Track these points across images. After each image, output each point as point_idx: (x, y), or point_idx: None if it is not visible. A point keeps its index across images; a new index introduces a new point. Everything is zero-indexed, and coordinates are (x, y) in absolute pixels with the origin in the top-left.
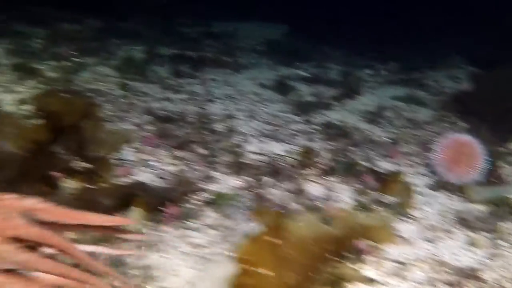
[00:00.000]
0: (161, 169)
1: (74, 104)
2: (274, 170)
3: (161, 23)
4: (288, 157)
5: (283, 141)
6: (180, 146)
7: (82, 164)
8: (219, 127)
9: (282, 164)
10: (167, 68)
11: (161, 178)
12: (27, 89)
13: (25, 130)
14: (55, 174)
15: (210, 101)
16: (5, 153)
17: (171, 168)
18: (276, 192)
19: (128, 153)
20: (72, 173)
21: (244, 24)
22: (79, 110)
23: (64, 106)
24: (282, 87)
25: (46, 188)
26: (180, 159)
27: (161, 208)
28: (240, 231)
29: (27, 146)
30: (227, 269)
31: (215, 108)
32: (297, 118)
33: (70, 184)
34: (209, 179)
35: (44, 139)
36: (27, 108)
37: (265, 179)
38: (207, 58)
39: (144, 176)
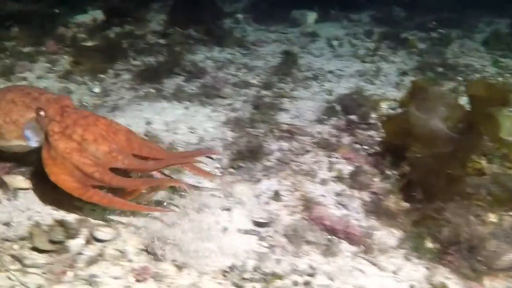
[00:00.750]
0: None
1: (496, 89)
2: None
3: None
4: None
5: None
6: None
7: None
8: None
9: None
10: None
11: None
12: (402, 59)
13: (453, 110)
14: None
15: None
16: (437, 131)
17: None
18: None
19: None
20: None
21: None
22: (499, 96)
23: (487, 91)
24: None
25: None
26: None
27: None
28: None
29: (454, 126)
30: None
31: None
32: None
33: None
34: None
35: (468, 121)
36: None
37: None
38: None
39: None
